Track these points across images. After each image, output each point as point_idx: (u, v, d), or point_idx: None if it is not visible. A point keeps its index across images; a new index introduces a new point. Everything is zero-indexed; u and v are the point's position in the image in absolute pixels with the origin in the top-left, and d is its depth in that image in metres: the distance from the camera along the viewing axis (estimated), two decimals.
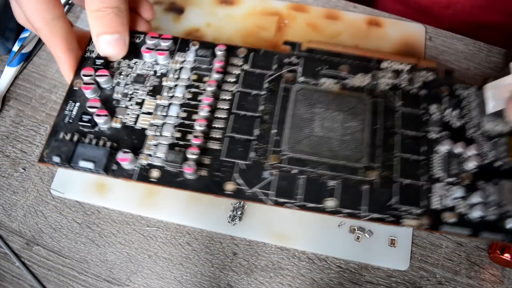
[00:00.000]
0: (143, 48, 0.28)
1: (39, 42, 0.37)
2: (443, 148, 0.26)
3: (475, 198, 0.25)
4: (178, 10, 0.35)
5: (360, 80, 0.28)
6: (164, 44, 0.28)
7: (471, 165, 0.26)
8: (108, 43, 0.27)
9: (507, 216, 0.24)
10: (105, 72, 0.27)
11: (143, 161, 0.25)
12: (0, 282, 0.28)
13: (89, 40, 0.28)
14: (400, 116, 0.27)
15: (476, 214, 0.24)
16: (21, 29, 0.36)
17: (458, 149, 0.26)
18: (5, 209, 0.30)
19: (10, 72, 0.35)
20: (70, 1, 0.35)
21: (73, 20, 0.37)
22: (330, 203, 0.24)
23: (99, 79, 0.27)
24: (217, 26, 0.34)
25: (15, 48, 0.36)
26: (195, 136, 0.25)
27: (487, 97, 0.27)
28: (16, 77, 0.35)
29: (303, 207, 0.24)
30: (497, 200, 0.25)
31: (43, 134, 0.32)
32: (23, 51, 0.36)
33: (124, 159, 0.25)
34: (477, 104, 0.28)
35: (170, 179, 0.25)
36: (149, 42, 0.28)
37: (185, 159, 0.25)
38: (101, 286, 0.28)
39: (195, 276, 0.28)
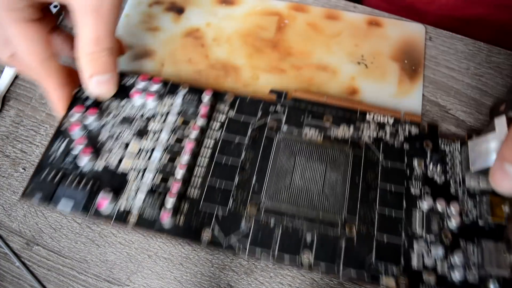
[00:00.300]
0: (132, 90, 0.28)
1: None
2: (425, 205, 0.26)
3: (457, 259, 0.24)
4: (178, 10, 0.36)
5: (343, 131, 0.28)
6: (154, 87, 0.28)
7: (453, 223, 0.25)
8: (101, 83, 0.27)
9: (489, 278, 0.24)
10: (94, 112, 0.27)
11: (123, 204, 0.25)
12: (0, 282, 0.28)
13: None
14: (382, 170, 0.27)
15: (457, 275, 0.24)
16: None
17: (440, 206, 0.26)
18: (5, 209, 0.30)
19: (10, 72, 0.35)
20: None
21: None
22: (306, 258, 0.24)
23: (87, 119, 0.27)
24: (217, 26, 0.35)
25: None
26: (175, 182, 0.25)
27: (470, 155, 0.27)
28: (16, 77, 0.35)
29: (279, 260, 0.24)
30: (479, 261, 0.24)
31: (43, 134, 0.32)
32: None
33: (103, 201, 0.25)
34: (460, 160, 0.28)
35: (147, 224, 0.25)
36: (139, 86, 0.29)
37: (163, 205, 0.25)
38: (101, 286, 0.27)
39: (195, 276, 0.27)
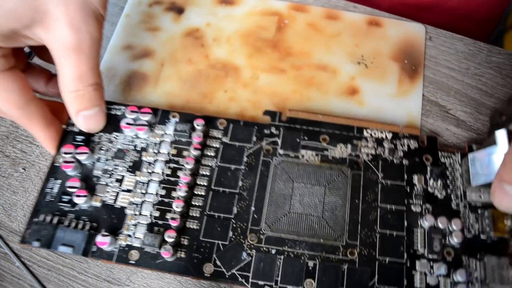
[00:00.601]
0: (122, 124, 0.28)
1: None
2: (426, 223, 0.25)
3: (459, 276, 0.24)
4: (178, 10, 0.36)
5: (341, 151, 0.28)
6: (144, 118, 0.28)
7: (455, 240, 0.25)
8: (89, 117, 0.27)
9: None
10: (85, 149, 0.27)
11: (122, 242, 0.25)
12: (0, 282, 0.28)
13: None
14: (382, 189, 0.26)
15: None
16: None
17: (441, 224, 0.25)
18: (5, 209, 0.29)
19: None
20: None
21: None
22: (310, 284, 0.24)
23: (79, 157, 0.27)
24: (217, 26, 0.34)
25: None
26: (173, 218, 0.25)
27: (471, 169, 0.26)
28: None
29: None
30: (482, 277, 0.24)
31: None
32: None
33: (103, 242, 0.25)
34: (461, 172, 0.27)
35: (148, 262, 0.25)
36: (129, 117, 0.28)
37: (163, 241, 0.25)
38: (101, 286, 0.27)
39: None
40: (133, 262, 0.25)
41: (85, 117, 0.26)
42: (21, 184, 0.30)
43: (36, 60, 0.32)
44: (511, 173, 0.22)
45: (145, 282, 0.27)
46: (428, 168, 0.27)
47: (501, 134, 0.25)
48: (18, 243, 0.26)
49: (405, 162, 0.27)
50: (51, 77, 0.29)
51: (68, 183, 0.26)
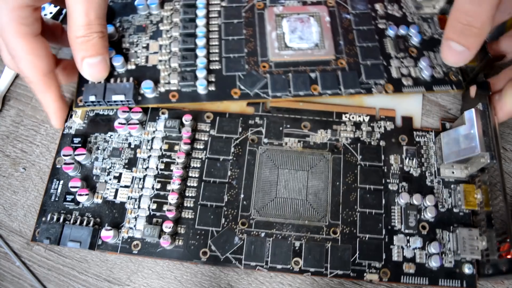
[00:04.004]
0: (115, 124, 0.29)
1: None
2: (402, 200, 0.27)
3: (433, 248, 0.26)
4: None
5: (322, 136, 0.29)
6: (135, 117, 0.30)
7: (429, 215, 0.27)
8: (92, 65, 0.28)
9: (464, 262, 0.26)
10: (83, 150, 0.29)
11: (125, 234, 0.28)
12: (0, 282, 0.29)
13: (68, 115, 0.30)
14: (361, 171, 0.28)
15: (435, 263, 0.26)
16: None
17: (416, 200, 0.27)
18: (6, 208, 0.30)
19: (10, 71, 0.35)
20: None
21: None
22: (297, 264, 0.26)
23: (78, 158, 0.29)
24: None
25: None
26: (169, 210, 0.27)
27: (443, 147, 0.28)
28: (16, 77, 0.35)
29: (272, 269, 0.27)
30: (454, 248, 0.27)
31: (43, 134, 0.32)
32: None
33: (107, 236, 0.27)
34: (434, 151, 0.29)
35: (150, 250, 0.27)
36: (121, 117, 0.30)
37: (162, 231, 0.27)
38: (102, 286, 0.28)
39: (195, 276, 0.28)
40: (136, 252, 0.27)
41: (89, 64, 0.28)
42: (21, 184, 0.31)
43: None
44: (454, 32, 0.26)
45: (145, 281, 0.29)
46: (404, 148, 0.29)
47: (468, 114, 0.27)
48: (30, 240, 0.28)
49: (382, 143, 0.29)
50: (63, 31, 0.31)
51: (71, 183, 0.28)
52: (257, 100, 0.29)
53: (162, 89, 0.30)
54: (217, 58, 0.31)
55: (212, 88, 0.30)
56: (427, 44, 0.32)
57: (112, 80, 0.30)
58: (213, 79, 0.30)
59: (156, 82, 0.30)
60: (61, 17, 0.36)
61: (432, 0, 0.32)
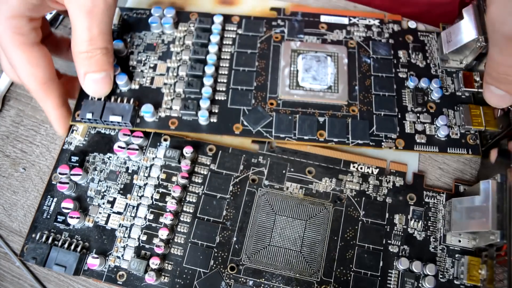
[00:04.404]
0: (115, 147, 0.29)
1: None
2: (401, 266, 0.26)
3: None
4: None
5: (325, 185, 0.28)
6: (136, 141, 0.29)
7: (427, 285, 0.26)
8: (95, 81, 0.27)
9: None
10: (79, 171, 0.28)
11: (112, 263, 0.27)
12: (0, 282, 0.29)
13: (68, 131, 0.30)
14: (361, 227, 0.27)
15: None
16: None
17: (416, 268, 0.26)
18: (5, 209, 0.30)
19: None
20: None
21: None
22: None
23: (73, 178, 0.28)
24: None
25: None
26: (158, 246, 0.26)
27: (452, 214, 0.26)
28: None
29: None
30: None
31: (43, 134, 0.32)
32: None
33: (93, 264, 0.26)
34: (443, 215, 0.27)
35: (135, 283, 0.27)
36: (121, 140, 0.29)
37: (148, 266, 0.26)
38: (102, 286, 0.28)
39: None
40: (120, 283, 0.27)
41: (92, 80, 0.27)
42: (21, 184, 0.31)
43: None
44: (491, 79, 0.26)
45: None
46: (411, 208, 0.27)
47: (484, 185, 0.25)
48: (18, 256, 0.28)
49: (388, 200, 0.27)
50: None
51: (63, 204, 0.28)
52: (259, 138, 0.28)
53: (162, 114, 0.29)
54: (223, 88, 0.30)
55: (214, 119, 0.29)
56: (448, 100, 0.30)
57: (113, 99, 0.29)
58: (216, 110, 0.29)
59: (158, 106, 0.29)
60: (61, 17, 0.36)
61: (460, 55, 0.29)
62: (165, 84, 0.30)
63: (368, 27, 0.32)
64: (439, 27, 0.32)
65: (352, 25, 0.32)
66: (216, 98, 0.30)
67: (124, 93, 0.30)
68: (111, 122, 0.28)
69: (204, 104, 0.28)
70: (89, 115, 0.28)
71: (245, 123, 0.29)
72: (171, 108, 0.29)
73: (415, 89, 0.30)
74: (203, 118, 0.28)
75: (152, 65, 0.31)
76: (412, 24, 0.32)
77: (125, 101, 0.29)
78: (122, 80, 0.29)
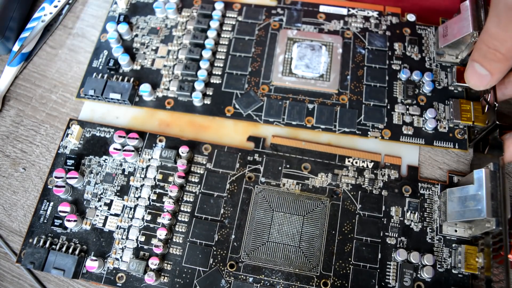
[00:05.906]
0: (110, 149, 0.29)
1: (39, 42, 0.36)
2: (399, 257, 0.26)
3: None
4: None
5: (321, 180, 0.28)
6: (131, 143, 0.29)
7: (426, 275, 0.26)
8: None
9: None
10: (75, 174, 0.28)
11: (110, 265, 0.27)
12: (0, 282, 0.29)
13: (64, 134, 0.30)
14: (358, 221, 0.27)
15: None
16: (21, 29, 0.36)
17: (414, 259, 0.26)
18: (5, 209, 0.30)
19: (10, 72, 0.34)
20: (70, 1, 0.36)
21: (73, 20, 0.37)
22: None
23: (69, 181, 0.28)
24: None
25: (15, 48, 0.35)
26: (156, 246, 0.26)
27: (448, 204, 0.27)
28: (16, 77, 0.35)
29: None
30: None
31: (43, 134, 0.32)
32: (23, 51, 0.35)
33: (92, 267, 0.26)
34: (439, 205, 0.27)
35: (134, 284, 0.26)
36: (117, 142, 0.29)
37: (147, 267, 0.26)
38: (102, 286, 0.28)
39: None
40: (120, 285, 0.27)
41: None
42: (21, 184, 0.31)
43: None
44: (479, 54, 0.25)
45: None
46: (407, 200, 0.28)
47: (478, 174, 0.25)
48: (15, 262, 0.28)
49: (384, 193, 0.28)
50: None
51: (60, 208, 0.27)
52: (250, 124, 0.28)
53: (159, 94, 0.31)
54: (219, 72, 0.31)
55: (207, 101, 0.31)
56: (439, 94, 0.30)
57: (114, 78, 0.31)
58: (210, 93, 0.31)
59: (156, 86, 0.31)
60: (60, 17, 0.36)
61: (456, 49, 0.30)
62: (164, 66, 0.32)
63: (366, 18, 0.33)
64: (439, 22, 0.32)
65: (350, 16, 0.33)
66: (212, 81, 0.31)
67: (126, 72, 0.32)
68: (111, 99, 0.30)
69: (199, 86, 0.30)
70: (91, 92, 0.30)
71: (237, 106, 0.30)
72: (168, 89, 0.31)
73: (407, 81, 0.30)
74: (196, 100, 0.30)
75: (154, 48, 0.33)
76: (411, 17, 0.33)
77: (125, 80, 0.31)
78: (124, 61, 0.31)
